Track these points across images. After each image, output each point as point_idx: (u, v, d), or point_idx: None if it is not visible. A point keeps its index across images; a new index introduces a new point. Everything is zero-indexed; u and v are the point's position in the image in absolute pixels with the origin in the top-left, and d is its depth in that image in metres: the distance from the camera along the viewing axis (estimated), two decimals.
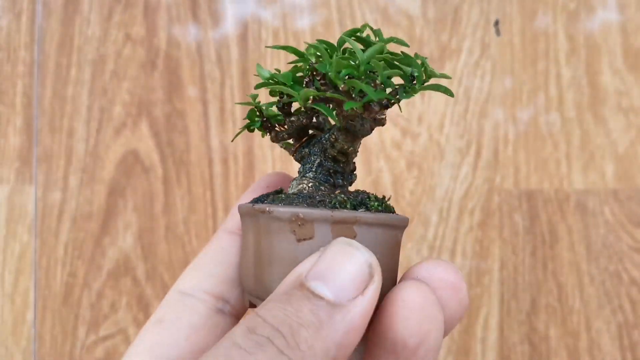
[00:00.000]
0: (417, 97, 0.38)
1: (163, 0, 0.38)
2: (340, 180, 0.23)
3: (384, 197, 0.23)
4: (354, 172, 0.24)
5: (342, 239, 0.20)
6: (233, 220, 0.24)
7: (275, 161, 0.38)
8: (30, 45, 0.39)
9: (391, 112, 0.38)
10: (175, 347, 0.24)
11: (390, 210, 0.22)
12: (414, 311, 0.20)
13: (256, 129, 0.23)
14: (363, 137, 0.22)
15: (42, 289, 0.38)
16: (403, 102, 0.39)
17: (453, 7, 0.38)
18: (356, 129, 0.22)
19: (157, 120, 0.38)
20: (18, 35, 0.39)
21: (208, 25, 0.38)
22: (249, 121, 0.23)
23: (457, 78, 0.38)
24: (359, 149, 0.23)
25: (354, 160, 0.23)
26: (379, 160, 0.38)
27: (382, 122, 0.20)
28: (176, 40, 0.38)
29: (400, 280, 0.21)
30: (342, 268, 0.19)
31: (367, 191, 0.22)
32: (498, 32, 0.38)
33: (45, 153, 0.38)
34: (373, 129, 0.22)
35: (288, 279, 0.20)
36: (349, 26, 0.38)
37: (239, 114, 0.38)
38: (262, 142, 0.38)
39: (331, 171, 0.23)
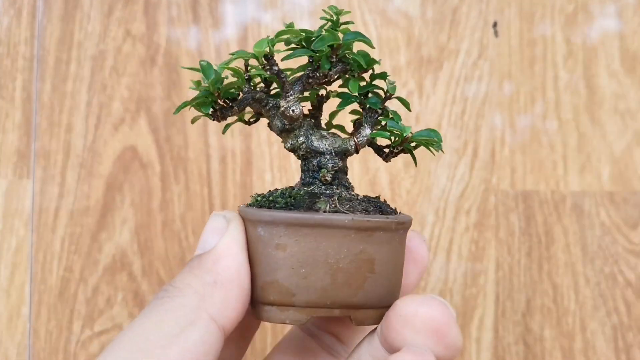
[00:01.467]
0: (415, 97, 0.38)
1: None
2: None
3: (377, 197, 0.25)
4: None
5: (219, 214, 0.24)
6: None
7: (272, 159, 0.38)
8: (30, 40, 0.39)
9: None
10: None
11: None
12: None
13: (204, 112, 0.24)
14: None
15: (37, 283, 0.38)
16: (399, 102, 0.39)
17: (452, 8, 0.39)
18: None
19: (156, 116, 0.38)
20: (18, 30, 0.39)
21: (208, 23, 0.39)
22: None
23: (455, 79, 0.38)
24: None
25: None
26: (376, 159, 0.38)
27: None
28: (176, 38, 0.39)
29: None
30: (205, 230, 0.23)
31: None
32: (496, 34, 0.39)
33: (43, 148, 0.38)
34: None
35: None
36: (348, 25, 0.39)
37: None
38: (260, 140, 0.38)
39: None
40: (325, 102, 0.26)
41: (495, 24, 0.39)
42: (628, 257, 0.38)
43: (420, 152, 0.38)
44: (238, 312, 0.22)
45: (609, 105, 0.38)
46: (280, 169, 0.38)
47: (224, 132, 0.26)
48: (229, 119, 0.26)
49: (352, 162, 0.38)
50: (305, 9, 0.39)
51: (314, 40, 0.23)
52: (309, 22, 0.39)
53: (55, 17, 0.39)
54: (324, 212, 0.23)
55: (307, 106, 0.26)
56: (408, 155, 0.37)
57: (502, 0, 0.39)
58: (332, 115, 0.27)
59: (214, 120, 0.24)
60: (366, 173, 0.38)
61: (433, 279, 0.38)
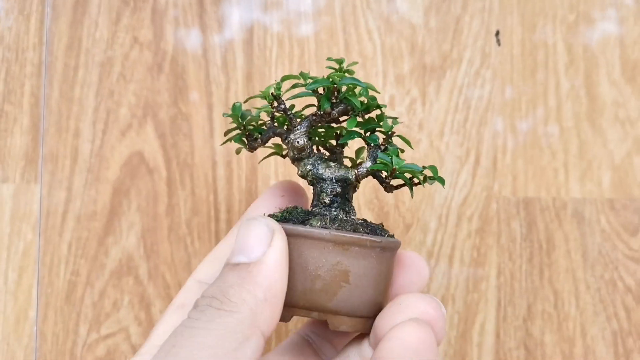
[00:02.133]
0: (418, 104, 0.39)
1: (170, 5, 0.39)
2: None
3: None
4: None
5: (244, 217, 0.25)
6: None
7: (277, 165, 0.39)
8: (38, 46, 0.39)
9: None
10: None
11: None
12: (410, 351, 0.23)
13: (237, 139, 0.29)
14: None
15: (44, 286, 0.38)
16: (404, 109, 0.40)
17: (455, 17, 0.39)
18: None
19: (163, 122, 0.39)
20: (27, 36, 0.39)
21: (214, 30, 0.39)
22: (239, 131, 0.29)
23: (458, 87, 0.39)
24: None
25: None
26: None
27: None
28: (182, 45, 0.39)
29: (394, 312, 0.25)
30: (247, 236, 0.24)
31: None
32: (499, 43, 0.39)
33: (51, 153, 0.39)
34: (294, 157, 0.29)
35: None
36: (352, 34, 0.39)
37: None
38: (268, 162, 0.39)
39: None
40: (341, 137, 0.30)
41: (497, 33, 0.39)
42: (628, 263, 0.38)
43: (422, 158, 0.39)
44: (276, 324, 0.24)
45: (609, 113, 0.39)
46: (285, 175, 0.39)
47: (259, 163, 0.33)
48: (266, 151, 0.31)
49: None
50: (310, 15, 0.39)
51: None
52: (313, 28, 0.39)
53: (64, 24, 0.39)
54: (311, 225, 0.26)
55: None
56: (410, 162, 0.38)
57: (504, 9, 0.39)
58: (358, 152, 0.31)
59: (248, 150, 0.29)
60: (369, 179, 0.38)
61: (435, 285, 0.38)
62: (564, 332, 0.38)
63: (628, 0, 0.39)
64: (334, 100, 0.28)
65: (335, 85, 0.27)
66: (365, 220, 0.28)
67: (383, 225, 0.28)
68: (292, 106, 0.29)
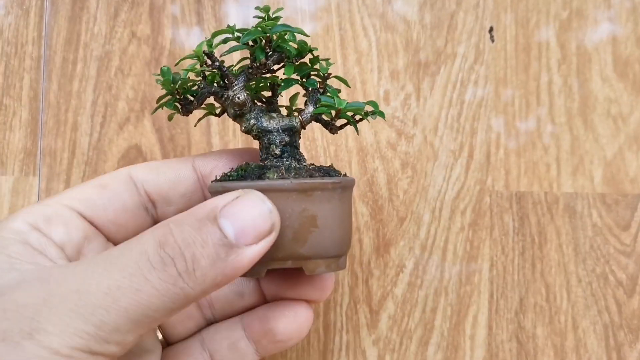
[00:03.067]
0: (412, 99, 0.39)
1: (168, 1, 0.40)
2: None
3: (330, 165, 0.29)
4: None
5: (258, 193, 0.25)
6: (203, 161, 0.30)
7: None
8: (37, 40, 0.40)
9: (388, 114, 0.39)
10: (104, 212, 0.29)
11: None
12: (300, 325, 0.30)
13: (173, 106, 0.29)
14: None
15: None
16: (399, 104, 0.40)
17: (449, 13, 0.39)
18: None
19: (160, 116, 0.39)
20: (26, 30, 0.40)
21: (212, 26, 0.40)
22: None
23: (452, 83, 0.39)
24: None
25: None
26: (375, 160, 0.39)
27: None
28: (180, 40, 0.40)
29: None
30: (249, 218, 0.24)
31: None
32: (492, 39, 0.39)
33: (49, 146, 0.39)
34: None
35: (205, 207, 0.24)
36: (348, 30, 0.39)
37: None
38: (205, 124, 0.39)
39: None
40: (278, 88, 0.30)
41: (491, 29, 0.40)
42: (619, 257, 0.38)
43: (416, 152, 0.39)
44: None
45: (601, 110, 0.39)
46: None
47: (195, 125, 0.32)
48: (200, 113, 0.30)
49: (351, 163, 0.39)
50: (306, 12, 0.40)
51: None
52: (310, 25, 0.40)
53: (62, 18, 0.40)
54: (270, 179, 0.26)
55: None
56: (406, 157, 0.39)
57: (498, 6, 0.39)
58: (292, 99, 0.31)
59: (183, 115, 0.28)
60: (364, 173, 0.39)
61: (429, 277, 0.39)
62: (555, 325, 0.38)
63: None
64: (268, 51, 0.27)
65: (267, 35, 0.27)
66: (314, 165, 0.29)
67: (333, 166, 0.29)
68: (223, 62, 0.28)
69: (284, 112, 0.31)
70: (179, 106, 0.28)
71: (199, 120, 0.32)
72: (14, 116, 0.39)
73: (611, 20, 0.39)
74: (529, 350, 0.38)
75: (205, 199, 0.30)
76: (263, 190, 0.25)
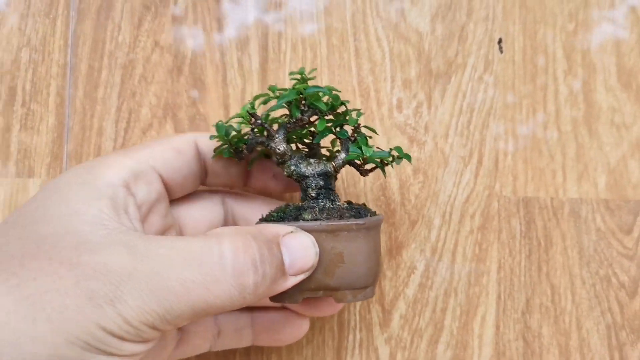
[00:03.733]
0: (424, 108, 0.41)
1: (190, 11, 0.41)
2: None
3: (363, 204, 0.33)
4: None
5: (310, 236, 0.29)
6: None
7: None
8: (64, 48, 0.41)
9: (400, 122, 0.41)
10: (177, 175, 0.32)
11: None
12: (299, 335, 0.36)
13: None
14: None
15: None
16: (411, 112, 0.41)
17: (460, 25, 0.41)
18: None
19: (182, 122, 0.41)
20: (53, 39, 0.41)
21: (232, 35, 0.41)
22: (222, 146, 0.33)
23: (462, 91, 0.41)
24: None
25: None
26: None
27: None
28: (201, 49, 0.41)
29: None
30: (302, 255, 0.28)
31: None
32: (501, 50, 0.41)
33: (75, 150, 0.41)
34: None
35: (269, 231, 0.28)
36: (363, 40, 0.41)
37: None
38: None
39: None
40: (318, 137, 0.33)
41: (500, 41, 0.41)
42: (622, 260, 0.40)
43: (427, 159, 0.41)
44: None
45: (605, 118, 0.41)
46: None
47: (249, 168, 0.35)
48: (253, 155, 0.34)
49: (363, 178, 0.40)
50: (322, 20, 0.41)
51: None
52: (324, 31, 0.41)
53: (88, 27, 0.41)
54: (304, 220, 0.30)
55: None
56: (417, 163, 0.40)
57: (507, 18, 0.41)
58: (332, 143, 0.35)
59: (238, 160, 0.33)
60: (378, 179, 0.40)
61: (439, 279, 0.40)
62: (560, 325, 0.40)
63: (624, 11, 0.41)
64: (303, 108, 0.31)
65: (301, 95, 0.31)
66: (350, 203, 0.32)
67: (365, 205, 0.32)
68: (267, 116, 0.32)
69: (325, 152, 0.35)
70: (233, 153, 0.33)
71: (252, 162, 0.35)
72: (41, 121, 0.41)
73: (615, 32, 0.41)
74: (535, 349, 0.40)
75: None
76: (304, 229, 0.29)
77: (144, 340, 0.25)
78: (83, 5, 0.41)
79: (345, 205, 0.32)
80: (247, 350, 0.40)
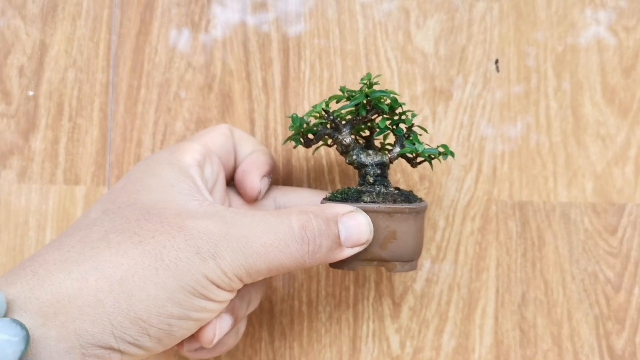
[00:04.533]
0: (429, 122, 0.45)
1: (219, 35, 0.46)
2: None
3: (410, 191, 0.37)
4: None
5: (367, 216, 0.33)
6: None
7: (309, 172, 0.45)
8: (106, 69, 0.46)
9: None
10: (227, 156, 0.39)
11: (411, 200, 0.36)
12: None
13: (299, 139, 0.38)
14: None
15: None
16: (418, 125, 0.46)
17: (460, 47, 0.46)
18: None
19: None
20: (96, 60, 0.46)
21: (257, 57, 0.46)
22: (293, 132, 0.38)
23: (463, 107, 0.45)
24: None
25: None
26: (397, 173, 0.45)
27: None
28: (229, 69, 0.46)
29: None
30: (357, 231, 0.32)
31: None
32: (498, 69, 0.45)
33: (117, 159, 0.45)
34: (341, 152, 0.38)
35: (331, 210, 0.33)
36: (374, 60, 0.46)
37: (280, 131, 0.45)
38: (299, 155, 0.45)
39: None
40: (375, 132, 0.37)
41: (497, 61, 0.45)
42: (608, 258, 0.44)
43: (434, 168, 0.45)
44: None
45: (592, 130, 0.45)
46: (315, 180, 0.45)
47: (313, 153, 0.41)
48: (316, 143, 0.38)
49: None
50: (337, 44, 0.46)
51: (354, 97, 0.36)
52: (339, 53, 0.45)
53: (128, 50, 0.46)
54: (365, 202, 0.34)
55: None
56: (423, 171, 0.45)
57: (502, 41, 0.46)
58: (385, 137, 0.39)
59: (305, 147, 0.38)
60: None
61: (443, 275, 0.44)
62: (553, 316, 0.44)
63: (607, 34, 0.46)
64: (368, 108, 0.36)
65: (368, 98, 0.36)
66: (398, 189, 0.37)
67: (412, 192, 0.37)
68: (337, 112, 0.37)
69: (377, 144, 0.39)
70: (302, 141, 0.37)
71: (316, 149, 0.40)
72: (86, 134, 0.46)
73: (599, 54, 0.45)
74: (530, 337, 0.44)
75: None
76: (363, 209, 0.33)
77: (232, 290, 0.30)
78: (123, 30, 0.46)
79: (396, 191, 0.36)
80: (272, 339, 0.44)
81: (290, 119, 0.39)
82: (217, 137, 0.37)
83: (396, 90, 0.45)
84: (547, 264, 0.44)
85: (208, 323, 0.31)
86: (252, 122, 0.45)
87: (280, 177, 0.45)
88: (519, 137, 0.44)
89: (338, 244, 0.32)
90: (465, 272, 0.44)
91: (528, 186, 0.44)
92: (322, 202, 0.35)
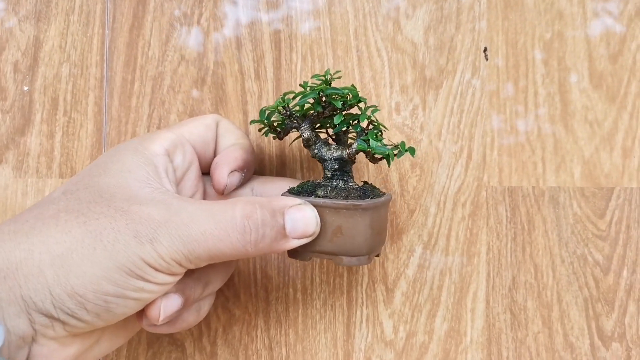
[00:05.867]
0: (419, 110, 0.46)
1: (212, 28, 0.46)
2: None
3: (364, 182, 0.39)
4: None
5: (313, 209, 0.35)
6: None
7: (302, 161, 0.46)
8: (100, 63, 0.47)
9: (399, 122, 0.46)
10: (205, 146, 0.39)
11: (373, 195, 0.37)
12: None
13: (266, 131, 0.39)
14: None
15: None
16: (408, 114, 0.47)
17: (449, 36, 0.46)
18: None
19: None
20: (90, 54, 0.47)
21: (249, 49, 0.46)
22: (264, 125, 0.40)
23: (453, 95, 0.46)
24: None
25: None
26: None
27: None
28: (222, 61, 0.46)
29: None
30: (302, 223, 0.34)
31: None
32: (486, 58, 0.46)
33: None
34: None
35: (279, 202, 0.34)
36: (364, 51, 0.46)
37: None
38: (292, 146, 0.46)
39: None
40: (336, 129, 0.38)
41: (485, 49, 0.46)
42: (596, 241, 0.45)
43: (423, 155, 0.46)
44: None
45: (579, 116, 0.45)
46: (309, 169, 0.46)
47: (290, 145, 0.41)
48: (293, 137, 0.41)
49: (368, 165, 0.46)
50: (328, 35, 0.46)
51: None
52: (330, 44, 0.46)
53: (121, 44, 0.47)
54: (317, 196, 0.35)
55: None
56: (414, 159, 0.45)
57: (491, 29, 0.46)
58: (345, 134, 0.39)
59: (279, 139, 0.39)
60: (379, 173, 0.46)
61: (435, 260, 0.45)
62: (543, 299, 0.45)
63: (594, 21, 0.46)
64: (324, 104, 0.37)
65: (321, 94, 0.36)
66: (365, 184, 0.37)
67: (374, 187, 0.37)
68: (303, 107, 0.37)
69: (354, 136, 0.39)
70: (275, 133, 0.39)
71: (293, 141, 0.42)
72: (81, 128, 0.46)
73: (586, 41, 0.46)
74: (521, 320, 0.45)
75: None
76: (312, 203, 0.35)
77: (172, 274, 0.32)
78: (116, 24, 0.47)
79: (357, 186, 0.36)
80: (267, 326, 0.45)
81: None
82: (197, 127, 0.38)
83: (387, 80, 0.46)
84: (536, 248, 0.44)
85: (154, 301, 0.33)
86: (245, 113, 0.46)
87: (275, 167, 0.46)
88: (508, 123, 0.45)
89: (283, 234, 0.33)
90: (456, 257, 0.45)
91: (517, 172, 0.45)
92: (282, 195, 0.37)
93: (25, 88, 0.46)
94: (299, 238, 0.34)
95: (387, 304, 0.45)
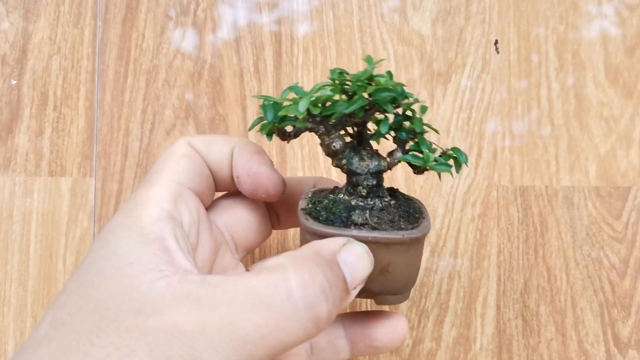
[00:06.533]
0: (427, 105, 0.44)
1: (209, 20, 0.44)
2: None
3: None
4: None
5: (364, 246, 0.27)
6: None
7: (304, 159, 0.44)
8: (92, 56, 0.45)
9: None
10: (199, 180, 0.30)
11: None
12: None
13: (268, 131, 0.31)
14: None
15: None
16: (415, 109, 0.45)
17: (459, 28, 0.44)
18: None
19: (203, 122, 0.44)
20: (81, 47, 0.45)
21: (248, 41, 0.44)
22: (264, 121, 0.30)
23: (462, 90, 0.44)
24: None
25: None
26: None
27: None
28: (219, 54, 0.44)
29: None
30: (361, 268, 0.26)
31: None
32: (497, 51, 0.44)
33: (104, 150, 0.44)
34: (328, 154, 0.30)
35: (326, 249, 0.26)
36: (369, 44, 0.44)
37: None
38: (293, 143, 0.44)
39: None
40: (376, 137, 0.31)
41: (496, 42, 0.44)
42: (612, 243, 0.43)
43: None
44: None
45: (595, 112, 0.44)
46: (310, 167, 0.44)
47: (288, 142, 0.32)
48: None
49: None
50: (331, 26, 0.44)
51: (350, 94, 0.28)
52: (333, 36, 0.44)
53: (114, 36, 0.45)
54: (356, 225, 0.28)
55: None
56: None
57: (502, 21, 0.44)
58: (364, 128, 0.31)
59: (283, 141, 0.31)
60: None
61: (443, 263, 0.43)
62: (556, 304, 0.43)
63: (610, 12, 0.44)
64: (367, 108, 0.28)
65: (371, 99, 0.28)
66: (393, 193, 0.30)
67: (411, 198, 0.31)
68: (323, 112, 0.29)
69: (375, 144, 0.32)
70: (278, 133, 0.30)
71: (295, 138, 0.33)
72: (72, 124, 0.44)
73: (602, 33, 0.44)
74: (533, 326, 0.43)
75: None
76: (359, 239, 0.27)
77: None
78: (109, 15, 0.45)
79: (393, 201, 0.29)
80: None
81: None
82: (178, 164, 0.29)
83: (392, 74, 0.44)
84: (549, 250, 0.43)
85: None
86: (243, 109, 0.44)
87: (276, 165, 0.44)
88: (519, 120, 0.43)
89: (347, 290, 0.26)
90: (465, 260, 0.43)
91: (530, 170, 0.43)
92: (300, 216, 0.29)
93: (13, 82, 0.44)
94: (357, 287, 0.26)
95: (393, 308, 0.43)
